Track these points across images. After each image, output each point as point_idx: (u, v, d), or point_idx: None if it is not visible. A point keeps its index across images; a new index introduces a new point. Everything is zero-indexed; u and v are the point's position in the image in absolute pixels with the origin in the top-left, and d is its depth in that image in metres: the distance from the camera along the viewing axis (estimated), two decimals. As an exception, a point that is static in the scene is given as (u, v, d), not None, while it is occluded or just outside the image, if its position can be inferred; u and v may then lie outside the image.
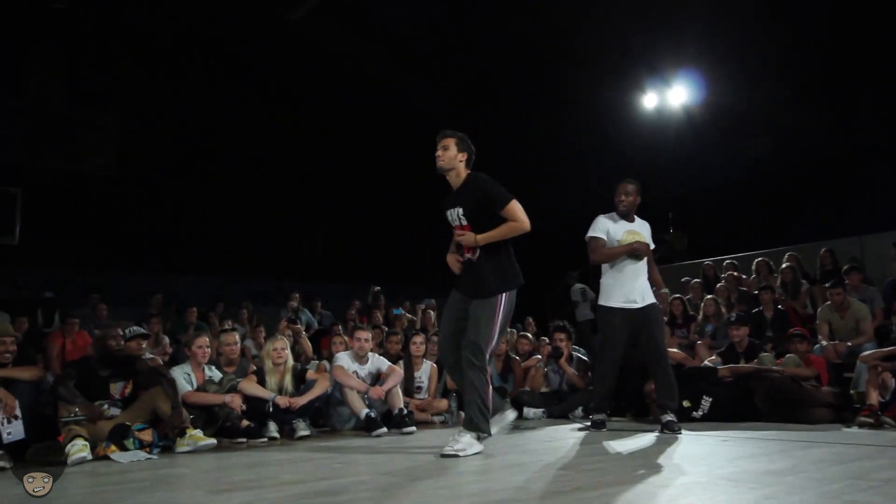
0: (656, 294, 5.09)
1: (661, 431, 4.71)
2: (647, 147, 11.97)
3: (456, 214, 3.98)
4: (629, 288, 4.93)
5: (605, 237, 5.01)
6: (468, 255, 3.99)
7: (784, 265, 8.18)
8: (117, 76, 11.93)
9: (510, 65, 12.27)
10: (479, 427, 3.78)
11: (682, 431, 4.67)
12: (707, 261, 10.03)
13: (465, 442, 3.71)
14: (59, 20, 11.21)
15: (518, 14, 11.14)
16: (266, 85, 13.32)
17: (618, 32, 10.78)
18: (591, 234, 5.06)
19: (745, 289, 8.44)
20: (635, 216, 5.13)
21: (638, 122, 12.20)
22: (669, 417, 4.76)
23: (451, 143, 4.04)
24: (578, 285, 11.04)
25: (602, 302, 5.05)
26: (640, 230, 5.08)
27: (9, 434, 4.13)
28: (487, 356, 3.85)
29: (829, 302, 6.72)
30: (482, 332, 3.81)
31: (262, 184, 13.13)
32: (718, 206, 11.94)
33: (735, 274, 8.80)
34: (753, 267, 8.78)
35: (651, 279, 5.10)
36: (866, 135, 10.26)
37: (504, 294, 3.91)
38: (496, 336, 3.89)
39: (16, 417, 4.19)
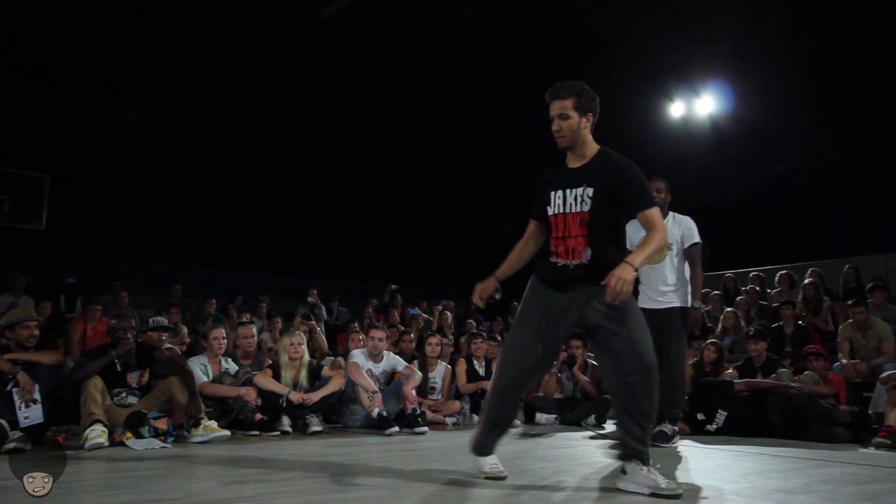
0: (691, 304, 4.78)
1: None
2: (672, 156, 11.91)
3: (579, 195, 2.94)
4: (649, 287, 4.75)
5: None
6: (564, 261, 2.98)
7: (806, 280, 8.09)
8: (147, 70, 12.11)
9: (539, 68, 12.26)
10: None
11: (672, 444, 4.62)
12: (728, 273, 9.93)
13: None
14: (92, 12, 11.40)
15: (548, 17, 11.14)
16: (292, 82, 13.44)
17: (649, 40, 10.75)
18: None
19: (765, 303, 8.36)
20: (670, 212, 4.86)
21: (664, 130, 12.14)
22: (662, 428, 4.62)
23: (569, 105, 2.93)
24: None
25: None
26: (671, 228, 4.77)
27: (26, 418, 4.20)
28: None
29: (851, 320, 6.62)
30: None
31: (285, 180, 13.25)
32: (742, 218, 11.83)
33: (757, 288, 8.71)
34: (776, 280, 8.69)
35: (691, 283, 4.80)
36: (894, 154, 10.13)
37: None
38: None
39: (34, 401, 4.26)
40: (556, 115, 2.95)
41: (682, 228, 4.83)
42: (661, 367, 4.64)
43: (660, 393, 4.33)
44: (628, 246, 4.54)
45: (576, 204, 2.93)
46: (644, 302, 4.66)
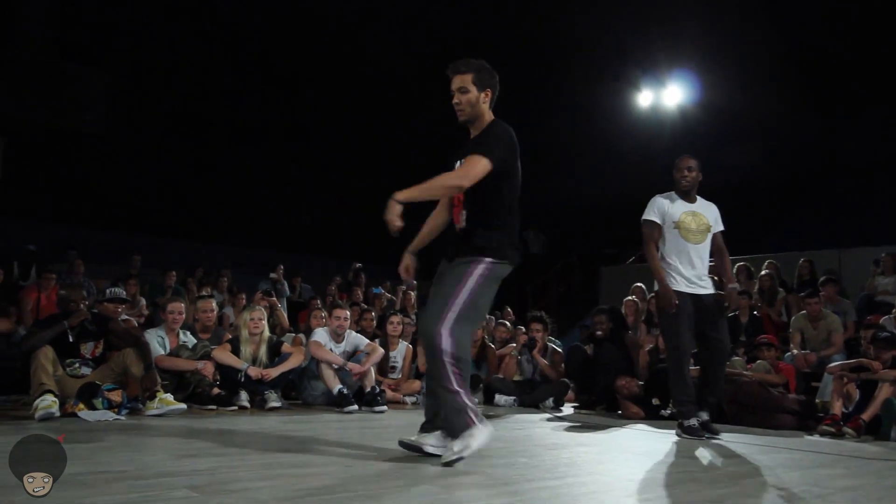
0: (725, 287, 4.73)
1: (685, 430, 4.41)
2: (639, 146, 12.04)
3: (460, 163, 3.08)
4: (689, 272, 4.57)
5: (659, 221, 4.63)
6: (457, 225, 3.12)
7: (763, 272, 8.27)
8: (110, 33, 11.75)
9: (508, 59, 12.28)
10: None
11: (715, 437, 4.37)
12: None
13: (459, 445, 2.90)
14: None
15: (517, 11, 11.12)
16: (262, 54, 13.18)
17: (615, 31, 10.81)
18: (644, 216, 4.66)
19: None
20: (698, 196, 4.74)
21: (632, 120, 12.24)
22: (706, 417, 4.50)
23: (468, 80, 3.03)
24: None
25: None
26: (703, 211, 4.70)
27: (-25, 385, 4.10)
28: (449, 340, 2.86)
29: (803, 311, 6.80)
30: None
31: (252, 152, 13.03)
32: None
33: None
34: (734, 271, 8.86)
35: (720, 269, 4.79)
36: (852, 152, 10.40)
37: (487, 261, 2.95)
38: (463, 313, 2.88)
39: (-17, 369, 4.15)
40: (457, 90, 3.07)
41: (714, 213, 4.79)
42: (712, 354, 4.56)
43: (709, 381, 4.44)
44: (664, 221, 4.60)
45: None
46: (688, 286, 4.54)
